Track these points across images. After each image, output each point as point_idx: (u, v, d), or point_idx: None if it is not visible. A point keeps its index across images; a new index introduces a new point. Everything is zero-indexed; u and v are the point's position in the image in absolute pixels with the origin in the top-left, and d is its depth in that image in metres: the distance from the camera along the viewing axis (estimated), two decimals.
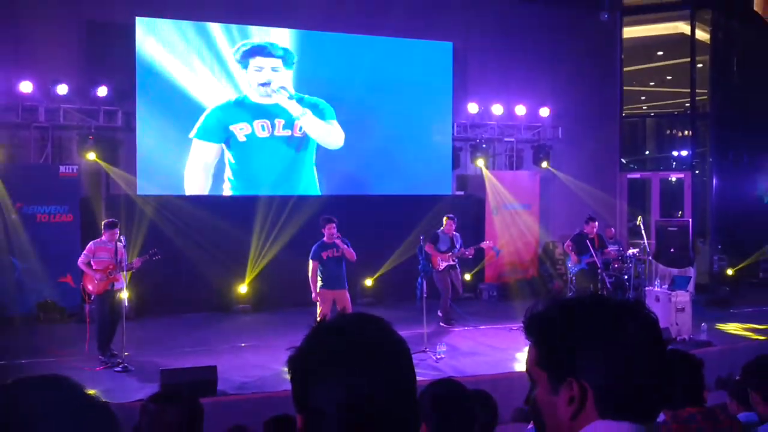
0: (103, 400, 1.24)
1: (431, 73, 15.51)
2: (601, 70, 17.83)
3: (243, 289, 13.84)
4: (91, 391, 1.23)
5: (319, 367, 1.35)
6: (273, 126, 14.20)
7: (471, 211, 15.66)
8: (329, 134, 14.65)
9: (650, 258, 14.51)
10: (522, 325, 1.58)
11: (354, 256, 10.38)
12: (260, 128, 14.11)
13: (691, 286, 12.62)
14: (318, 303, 10.35)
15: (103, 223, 10.09)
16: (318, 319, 10.09)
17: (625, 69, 18.52)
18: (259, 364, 9.71)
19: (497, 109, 16.10)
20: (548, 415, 1.46)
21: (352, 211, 14.14)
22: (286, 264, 13.15)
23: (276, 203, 13.99)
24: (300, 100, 14.30)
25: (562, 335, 1.46)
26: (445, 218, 12.34)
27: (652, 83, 21.46)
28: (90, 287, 9.70)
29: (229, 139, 13.95)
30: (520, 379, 8.53)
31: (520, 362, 9.81)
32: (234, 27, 13.96)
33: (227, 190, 14.05)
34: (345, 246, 10.29)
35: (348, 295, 10.45)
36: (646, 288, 12.73)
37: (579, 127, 17.14)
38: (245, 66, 14.01)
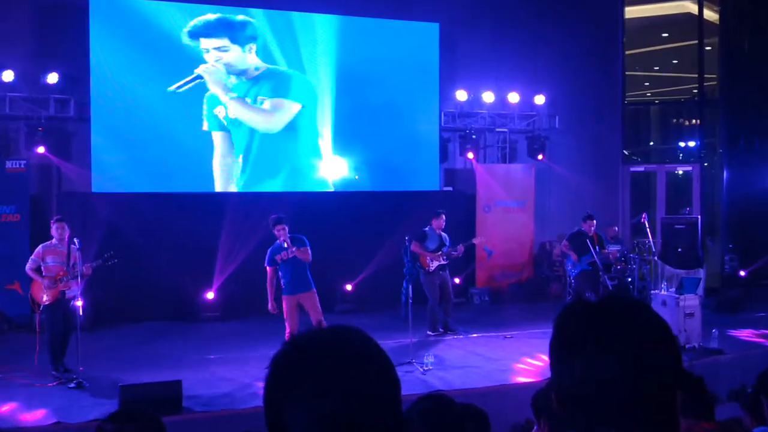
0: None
1: (415, 57, 15.52)
2: (602, 54, 17.88)
3: (211, 295, 13.79)
4: None
5: (288, 386, 1.36)
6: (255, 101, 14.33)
7: (460, 209, 15.65)
8: (257, 116, 14.53)
9: (656, 258, 14.59)
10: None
11: (308, 257, 10.20)
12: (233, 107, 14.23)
13: (700, 289, 12.69)
14: (284, 313, 10.17)
15: (51, 222, 9.91)
16: (287, 330, 10.06)
17: (627, 52, 18.58)
18: (229, 378, 9.68)
19: (488, 97, 16.13)
20: None
21: (328, 210, 14.16)
22: (257, 268, 13.05)
23: (246, 201, 13.95)
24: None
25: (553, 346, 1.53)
26: (435, 215, 12.35)
27: (656, 67, 21.55)
28: (39, 295, 9.56)
29: (222, 124, 14.15)
30: (514, 392, 8.56)
31: (514, 373, 9.84)
32: (195, 7, 13.90)
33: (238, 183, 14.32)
34: (294, 248, 10.11)
35: (316, 297, 10.28)
36: (652, 291, 12.80)
37: (577, 116, 17.20)
38: (197, 47, 13.99)
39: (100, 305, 12.78)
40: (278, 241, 10.22)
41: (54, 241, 9.68)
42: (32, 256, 9.68)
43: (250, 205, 13.80)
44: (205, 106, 13.93)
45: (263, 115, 14.48)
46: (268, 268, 10.21)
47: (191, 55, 13.84)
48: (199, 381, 9.38)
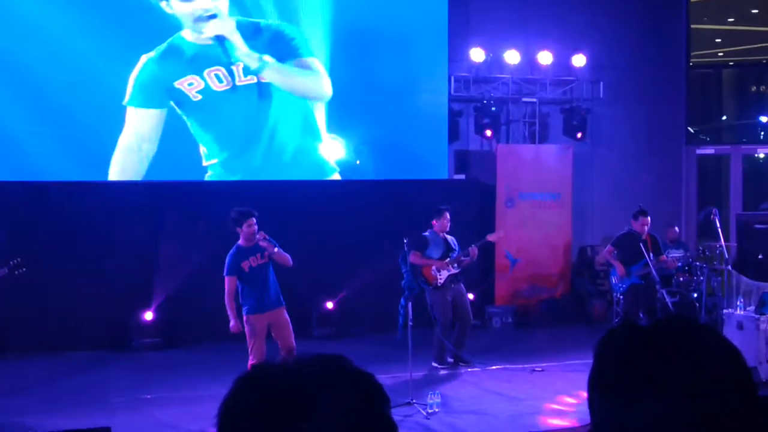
0: None
1: (419, 7, 15.54)
2: (660, 1, 17.92)
3: (149, 316, 13.79)
4: None
5: (240, 429, 1.36)
6: (231, 74, 14.26)
7: (475, 202, 15.70)
8: (305, 84, 14.80)
9: (729, 268, 14.63)
10: None
11: (289, 260, 10.19)
12: (214, 78, 14.19)
13: None
14: (248, 339, 10.09)
15: None
16: (251, 361, 9.88)
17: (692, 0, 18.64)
18: (171, 425, 9.70)
19: (512, 57, 16.15)
20: None
21: (304, 204, 14.16)
22: (211, 280, 13.08)
23: (198, 193, 13.98)
24: (256, 33, 14.31)
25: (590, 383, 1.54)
26: (437, 213, 12.32)
27: (731, 19, 21.61)
28: None
29: (180, 101, 14.05)
30: None
31: (545, 416, 9.87)
32: None
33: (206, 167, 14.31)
34: (273, 247, 10.07)
35: (286, 315, 10.20)
36: (724, 310, 12.84)
37: (628, 83, 17.24)
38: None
39: (4, 329, 12.77)
40: (241, 241, 10.14)
41: None
42: None
43: (203, 200, 13.80)
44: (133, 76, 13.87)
45: (308, 80, 14.71)
46: (227, 278, 10.04)
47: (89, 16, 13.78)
48: (134, 428, 9.39)
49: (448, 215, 12.27)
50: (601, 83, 16.89)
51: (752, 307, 12.15)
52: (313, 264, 13.79)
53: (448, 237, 12.32)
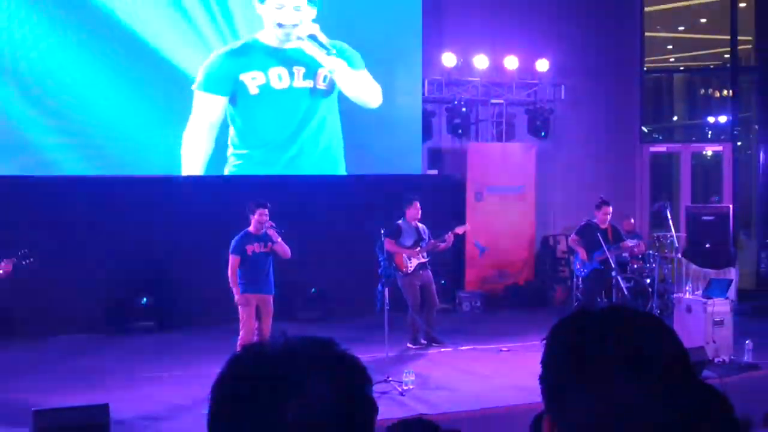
0: None
1: (394, 15, 15.50)
2: (617, 12, 17.94)
3: (144, 300, 13.73)
4: None
5: (228, 417, 1.33)
6: (291, 75, 14.56)
7: (446, 196, 15.70)
8: (366, 90, 15.02)
9: (679, 256, 14.69)
10: None
11: (288, 252, 10.60)
12: (276, 78, 14.47)
13: (732, 292, 12.80)
14: (240, 317, 10.42)
15: None
16: (242, 336, 10.27)
17: (646, 9, 18.64)
18: (166, 402, 9.67)
19: (481, 62, 16.14)
20: None
21: (289, 197, 14.11)
22: (203, 266, 13.06)
23: (189, 184, 13.91)
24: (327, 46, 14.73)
25: (545, 364, 1.50)
26: (407, 203, 12.33)
27: (681, 28, 21.66)
28: None
29: (237, 93, 14.30)
30: (507, 417, 8.59)
31: (510, 393, 9.87)
32: None
33: (233, 166, 14.41)
34: (279, 238, 10.47)
35: (271, 305, 10.59)
36: (675, 295, 12.89)
37: (587, 86, 17.25)
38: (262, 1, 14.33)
39: (7, 314, 12.69)
40: (251, 228, 10.43)
41: None
42: None
43: (195, 191, 13.76)
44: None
45: (368, 86, 15.06)
46: (231, 256, 10.37)
47: (93, 15, 13.68)
48: (130, 404, 9.33)
49: (417, 204, 12.29)
50: (563, 86, 16.90)
51: (700, 292, 12.21)
52: (298, 253, 13.76)
53: (420, 225, 12.32)
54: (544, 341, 1.52)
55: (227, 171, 14.42)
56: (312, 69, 14.61)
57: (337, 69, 14.76)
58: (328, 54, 14.64)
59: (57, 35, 13.31)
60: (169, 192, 13.84)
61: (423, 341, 12.24)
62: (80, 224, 13.21)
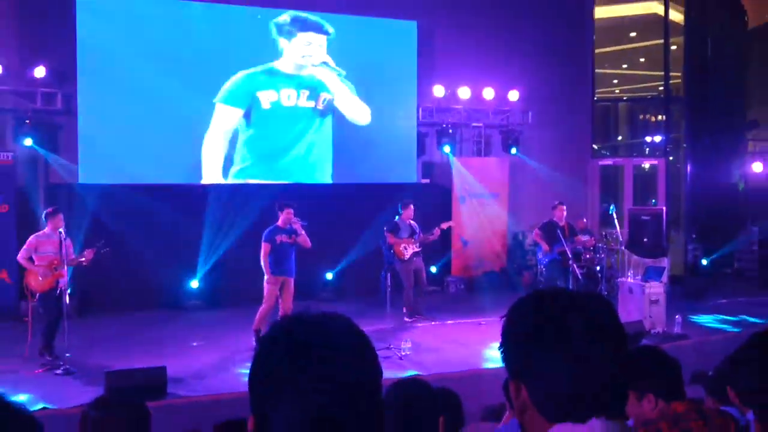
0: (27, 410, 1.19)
1: (395, 53, 15.46)
2: (573, 52, 17.89)
3: (195, 284, 13.71)
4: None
5: (271, 370, 1.32)
6: (298, 95, 14.54)
7: (437, 200, 15.66)
8: (360, 110, 15.04)
9: (623, 248, 14.65)
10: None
11: (309, 243, 10.68)
12: (286, 97, 14.42)
13: (665, 277, 12.77)
14: (265, 292, 10.50)
15: (44, 213, 9.81)
16: (263, 306, 10.43)
17: (596, 51, 18.62)
18: (211, 365, 9.63)
19: (464, 93, 16.11)
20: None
21: (311, 201, 14.09)
22: (241, 257, 13.03)
23: (227, 191, 13.86)
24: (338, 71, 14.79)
25: (508, 337, 1.54)
26: (404, 205, 12.38)
27: (624, 66, 21.63)
28: (34, 284, 9.43)
29: (252, 107, 14.21)
30: (487, 377, 8.55)
31: (488, 358, 9.85)
32: (183, 4, 13.78)
33: (236, 171, 14.21)
34: (303, 232, 10.58)
35: (293, 286, 10.65)
36: (619, 279, 12.87)
37: (549, 112, 17.21)
38: (290, 37, 14.39)
39: (87, 294, 12.68)
40: (279, 223, 10.59)
41: (47, 230, 9.55)
42: (25, 246, 9.55)
43: (233, 196, 13.73)
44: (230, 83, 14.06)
45: (361, 107, 15.02)
46: (264, 243, 10.48)
47: (177, 48, 13.69)
48: (183, 367, 9.31)
49: (412, 206, 12.43)
50: (530, 112, 16.85)
51: (639, 277, 12.19)
52: (317, 246, 13.72)
53: (412, 222, 12.39)
54: (503, 318, 1.54)
55: (232, 174, 14.23)
56: (315, 92, 14.57)
57: (342, 92, 14.74)
58: (340, 77, 14.67)
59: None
60: (217, 197, 13.79)
61: (416, 316, 12.23)
62: (146, 223, 13.16)
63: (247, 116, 14.19)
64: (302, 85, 14.51)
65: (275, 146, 14.48)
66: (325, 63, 14.59)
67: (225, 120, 14.04)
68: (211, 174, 14.03)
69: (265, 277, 10.49)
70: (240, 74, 14.07)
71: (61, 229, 9.47)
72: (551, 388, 1.44)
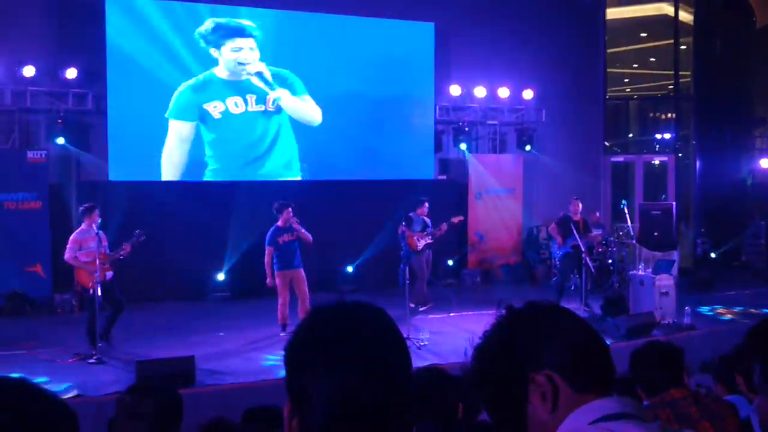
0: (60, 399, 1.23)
1: (412, 54, 15.45)
2: (585, 52, 17.84)
3: (221, 276, 13.78)
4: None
5: (309, 354, 1.33)
6: (246, 102, 14.16)
7: (453, 196, 15.66)
8: (305, 111, 14.63)
9: (634, 242, 14.59)
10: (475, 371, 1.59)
11: (310, 238, 10.73)
12: (233, 105, 14.07)
13: (674, 270, 12.71)
14: (277, 288, 10.61)
15: (80, 210, 9.78)
16: (280, 301, 10.55)
17: (608, 51, 18.55)
18: (238, 354, 9.69)
19: (480, 92, 16.08)
20: (535, 429, 1.48)
21: (332, 197, 14.16)
22: (263, 252, 13.06)
23: (253, 188, 13.91)
24: (274, 76, 14.31)
25: (515, 343, 1.54)
26: (419, 203, 12.48)
27: (635, 65, 21.52)
28: (86, 281, 9.42)
29: (204, 117, 13.86)
30: None
31: None
32: (205, 6, 13.84)
33: (208, 172, 14.00)
34: (302, 229, 10.64)
35: (303, 274, 10.72)
36: (630, 272, 12.82)
37: (563, 110, 17.16)
38: (219, 46, 13.90)
39: (122, 286, 12.76)
40: (279, 223, 10.63)
41: (84, 227, 9.54)
42: (69, 245, 9.50)
43: (258, 193, 13.75)
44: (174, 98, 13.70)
45: (307, 108, 14.60)
46: (267, 248, 10.58)
47: (200, 51, 13.78)
48: (211, 356, 9.38)
49: (426, 204, 12.57)
50: (544, 110, 16.80)
51: (650, 270, 12.14)
52: (338, 240, 13.80)
53: (426, 218, 12.51)
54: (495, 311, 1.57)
55: (203, 177, 14.08)
56: (261, 96, 14.24)
57: (281, 97, 14.40)
58: (272, 89, 14.26)
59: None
60: (242, 194, 13.82)
61: (429, 305, 12.31)
62: (173, 218, 13.22)
63: (204, 125, 13.90)
64: (246, 91, 14.15)
65: (237, 151, 14.27)
66: (259, 73, 14.16)
67: (179, 133, 13.74)
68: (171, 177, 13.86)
69: (267, 280, 10.62)
70: (183, 86, 13.72)
71: (93, 225, 9.51)
72: None
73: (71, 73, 12.96)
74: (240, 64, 14.06)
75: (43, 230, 12.48)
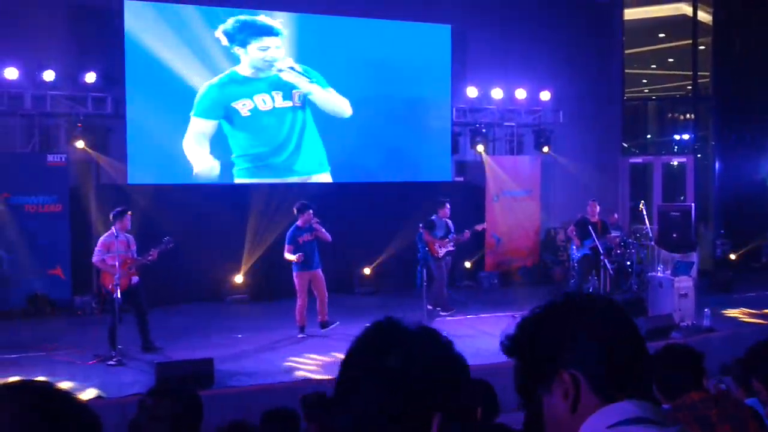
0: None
1: (429, 56, 15.46)
2: (602, 53, 17.77)
3: (239, 278, 13.83)
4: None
5: (359, 360, 1.41)
6: (272, 98, 14.29)
7: (470, 198, 15.63)
8: (336, 103, 14.76)
9: (653, 243, 14.53)
10: (501, 348, 1.63)
11: (329, 237, 10.82)
12: (261, 102, 14.20)
13: (693, 272, 12.65)
14: (298, 288, 10.69)
15: (111, 214, 9.77)
16: (299, 302, 10.61)
17: (626, 51, 18.47)
18: (257, 355, 9.73)
19: (497, 93, 16.06)
20: (551, 422, 1.50)
21: (348, 199, 14.17)
22: (282, 252, 13.10)
23: (271, 191, 13.95)
24: (305, 73, 14.48)
25: (544, 336, 1.54)
26: (440, 204, 12.39)
27: (653, 66, 21.41)
28: (109, 284, 9.45)
29: (230, 115, 13.99)
30: None
31: None
32: (223, 10, 13.90)
33: (237, 171, 14.12)
34: (321, 228, 10.73)
35: (322, 275, 10.82)
36: (649, 274, 12.76)
37: (580, 111, 17.11)
38: (245, 44, 14.02)
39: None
40: (299, 223, 10.71)
41: (114, 230, 9.57)
42: (98, 248, 9.55)
43: (274, 195, 13.80)
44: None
45: (337, 100, 14.71)
46: (288, 246, 10.67)
47: (219, 53, 13.84)
48: (229, 358, 9.42)
49: (447, 205, 12.46)
50: (561, 112, 16.74)
51: (669, 272, 12.08)
52: (355, 242, 13.82)
53: (448, 221, 12.38)
54: (512, 316, 1.61)
55: (234, 177, 14.18)
56: (287, 91, 14.33)
57: (313, 91, 14.52)
58: (310, 80, 14.44)
59: None
60: (259, 196, 13.88)
61: (429, 307, 12.21)
62: (191, 221, 13.28)
63: (231, 124, 13.99)
64: (272, 87, 14.25)
65: (266, 149, 14.34)
66: (291, 67, 14.29)
67: (200, 130, 13.81)
68: (205, 175, 13.96)
69: (294, 272, 10.68)
70: (206, 85, 13.79)
71: (123, 229, 9.56)
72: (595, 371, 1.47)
73: (90, 77, 13.07)
74: (266, 61, 14.19)
75: (64, 233, 12.62)
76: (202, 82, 13.71)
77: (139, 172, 13.31)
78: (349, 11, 14.76)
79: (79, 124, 13.05)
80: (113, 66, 13.19)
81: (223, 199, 13.67)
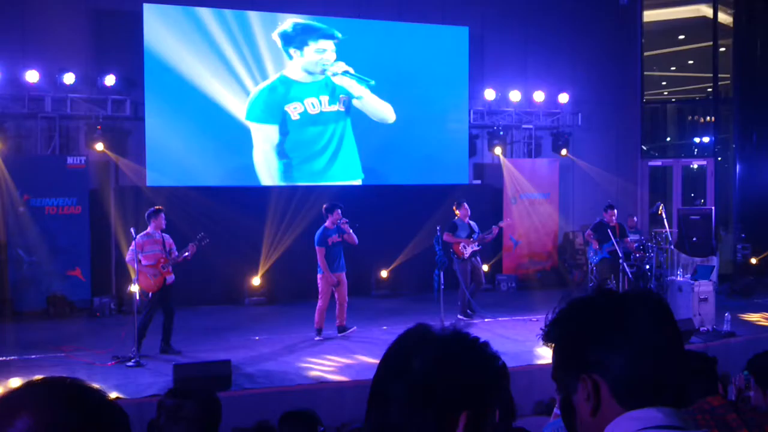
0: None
1: (447, 58, 15.47)
2: (621, 55, 17.71)
3: (257, 281, 13.87)
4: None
5: (393, 364, 1.43)
6: (320, 102, 14.48)
7: (488, 201, 15.62)
8: (382, 109, 14.95)
9: (672, 247, 14.45)
10: (541, 332, 1.59)
11: (356, 240, 10.78)
12: (311, 105, 14.39)
13: (713, 276, 12.56)
14: (320, 289, 10.65)
15: (146, 214, 9.88)
16: (320, 304, 10.57)
17: (645, 53, 18.38)
18: (274, 358, 9.75)
19: (515, 96, 16.04)
20: (579, 417, 1.50)
21: (367, 201, 14.17)
22: (300, 255, 13.14)
23: (291, 193, 14.00)
24: (358, 77, 14.67)
25: (572, 334, 1.52)
26: (457, 205, 12.30)
27: (673, 68, 21.28)
28: (144, 284, 9.52)
29: (283, 119, 14.19)
30: (539, 372, 8.53)
31: (540, 354, 9.80)
32: (242, 13, 13.97)
33: (281, 175, 14.32)
34: (350, 230, 10.69)
35: (345, 278, 10.83)
36: (669, 278, 12.69)
37: (599, 114, 17.05)
38: (301, 46, 14.24)
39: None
40: (327, 224, 10.67)
41: (149, 230, 9.67)
42: (131, 247, 9.60)
43: (292, 198, 13.86)
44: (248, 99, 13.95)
45: (384, 106, 14.91)
46: (318, 248, 10.60)
47: (235, 57, 13.90)
48: (247, 359, 9.45)
49: (466, 204, 12.26)
50: (579, 114, 16.71)
51: (688, 276, 12.01)
52: (372, 245, 13.81)
53: (471, 222, 12.24)
54: (539, 320, 1.61)
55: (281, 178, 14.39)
56: (334, 96, 14.50)
57: (364, 96, 14.68)
58: (366, 85, 14.61)
59: None
60: (277, 199, 13.92)
61: (469, 313, 12.19)
62: (210, 223, 13.29)
63: (282, 128, 14.20)
64: (321, 92, 14.43)
65: (312, 151, 14.50)
66: (346, 72, 14.48)
67: (264, 136, 14.09)
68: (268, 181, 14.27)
69: (319, 274, 10.65)
70: (257, 89, 13.99)
71: (132, 229, 9.66)
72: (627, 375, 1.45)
73: (110, 80, 13.18)
74: (320, 63, 14.39)
75: (83, 235, 12.74)
76: (220, 86, 13.75)
77: (158, 175, 13.40)
78: (364, 14, 14.80)
79: (99, 127, 13.15)
80: (132, 69, 13.30)
81: (241, 202, 13.72)
